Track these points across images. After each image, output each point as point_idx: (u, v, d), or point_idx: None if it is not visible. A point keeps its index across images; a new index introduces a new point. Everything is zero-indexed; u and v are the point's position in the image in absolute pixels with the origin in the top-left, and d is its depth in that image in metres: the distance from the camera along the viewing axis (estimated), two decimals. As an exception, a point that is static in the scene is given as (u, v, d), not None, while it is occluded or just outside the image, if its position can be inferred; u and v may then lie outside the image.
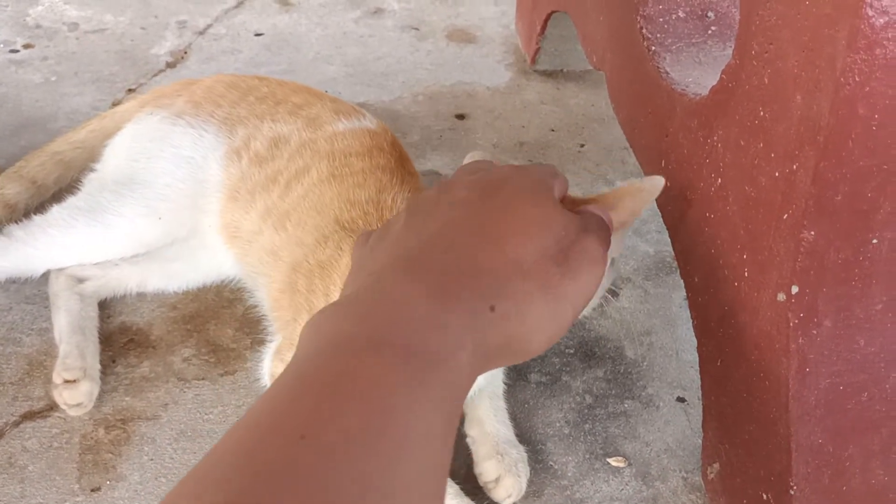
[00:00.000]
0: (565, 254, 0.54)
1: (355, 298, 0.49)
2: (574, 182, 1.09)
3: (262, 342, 0.83)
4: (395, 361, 0.43)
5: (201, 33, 1.35)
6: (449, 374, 0.45)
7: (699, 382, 0.74)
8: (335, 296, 0.71)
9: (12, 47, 1.28)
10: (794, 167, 0.55)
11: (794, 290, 0.57)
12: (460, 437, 0.76)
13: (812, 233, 0.55)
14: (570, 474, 0.77)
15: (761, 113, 0.58)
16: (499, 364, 0.53)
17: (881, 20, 0.47)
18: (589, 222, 0.56)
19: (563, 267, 0.53)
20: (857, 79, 0.49)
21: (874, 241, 0.55)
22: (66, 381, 0.77)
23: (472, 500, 0.72)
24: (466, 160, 0.70)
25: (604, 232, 0.57)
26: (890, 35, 0.47)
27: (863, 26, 0.47)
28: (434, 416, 0.43)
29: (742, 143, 0.61)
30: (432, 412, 0.43)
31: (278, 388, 0.42)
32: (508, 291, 0.50)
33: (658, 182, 0.63)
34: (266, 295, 0.81)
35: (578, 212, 0.58)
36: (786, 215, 0.56)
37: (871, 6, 0.47)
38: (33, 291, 0.89)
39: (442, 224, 0.54)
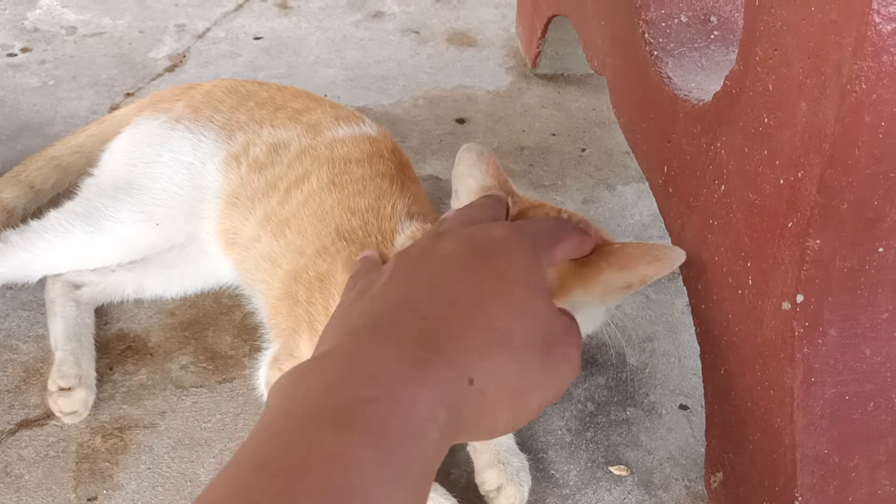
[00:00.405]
0: (549, 348, 0.53)
1: (325, 363, 0.47)
2: (575, 187, 1.09)
3: (260, 349, 0.82)
4: (361, 437, 0.42)
5: (200, 37, 1.34)
6: (418, 449, 0.44)
7: (702, 390, 0.73)
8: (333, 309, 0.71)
9: (10, 51, 1.28)
10: (800, 175, 0.54)
11: (800, 298, 0.56)
12: (461, 445, 0.76)
13: (817, 241, 0.54)
14: (571, 483, 0.76)
15: (766, 120, 0.57)
16: (465, 438, 0.51)
17: (888, 27, 0.46)
18: (573, 325, 0.56)
19: (544, 358, 0.52)
20: (863, 86, 0.48)
21: (880, 249, 0.55)
22: (62, 389, 0.76)
23: (473, 509, 0.71)
24: (461, 153, 0.69)
25: (579, 339, 0.57)
26: (897, 42, 0.47)
27: (869, 33, 0.47)
28: (400, 495, 0.42)
29: (746, 149, 0.60)
30: (399, 491, 0.42)
31: (240, 463, 0.41)
32: (489, 366, 0.49)
33: (678, 257, 0.63)
34: (263, 302, 0.80)
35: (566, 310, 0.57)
36: (790, 223, 0.56)
37: (878, 13, 0.46)
38: (30, 298, 0.88)
39: (427, 282, 0.52)
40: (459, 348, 0.49)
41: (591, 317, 0.67)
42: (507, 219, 0.64)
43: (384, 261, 0.67)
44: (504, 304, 0.52)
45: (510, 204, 0.67)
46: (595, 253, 0.63)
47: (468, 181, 0.69)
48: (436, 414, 0.45)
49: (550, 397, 0.54)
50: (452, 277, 0.52)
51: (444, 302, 0.51)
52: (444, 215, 0.64)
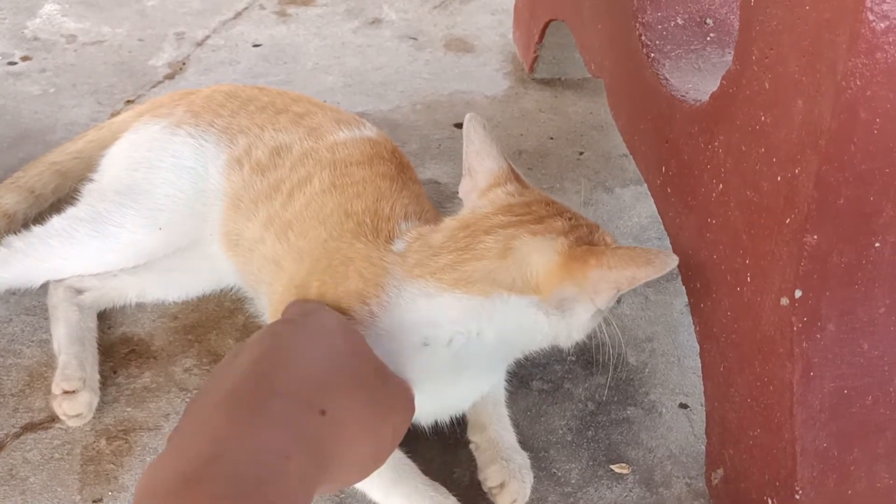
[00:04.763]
0: (384, 379, 0.58)
1: (173, 445, 0.50)
2: (573, 190, 1.10)
3: (263, 351, 0.82)
4: (213, 495, 0.43)
5: (199, 45, 1.35)
6: (278, 489, 0.45)
7: (701, 388, 0.74)
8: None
9: (10, 59, 1.28)
10: (796, 171, 0.55)
11: (798, 294, 0.57)
12: (464, 443, 0.76)
13: (815, 237, 0.55)
14: (573, 481, 0.77)
15: (762, 118, 0.58)
16: (336, 479, 0.53)
17: (882, 24, 0.47)
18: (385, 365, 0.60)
19: (384, 390, 0.57)
20: (858, 83, 0.49)
21: (877, 244, 0.56)
22: (66, 392, 0.77)
23: (476, 507, 0.72)
24: (469, 125, 0.73)
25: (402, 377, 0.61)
26: (891, 39, 0.48)
27: (863, 31, 0.48)
28: None
29: (743, 148, 0.61)
30: None
31: None
32: (337, 398, 0.52)
33: (670, 262, 0.65)
34: (267, 302, 0.81)
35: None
36: (788, 219, 0.57)
37: (872, 10, 0.47)
38: (33, 303, 0.89)
39: (259, 351, 0.55)
40: (300, 387, 0.51)
41: (580, 319, 0.68)
42: None
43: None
44: (330, 350, 0.56)
45: (518, 194, 0.70)
46: (587, 251, 0.65)
47: (486, 162, 0.72)
48: (288, 450, 0.47)
49: (400, 430, 0.58)
50: (284, 338, 0.57)
51: (277, 355, 0.54)
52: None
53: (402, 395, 0.59)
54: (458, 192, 0.77)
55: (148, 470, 0.48)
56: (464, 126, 0.73)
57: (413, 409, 0.59)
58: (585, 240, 0.68)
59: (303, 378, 0.53)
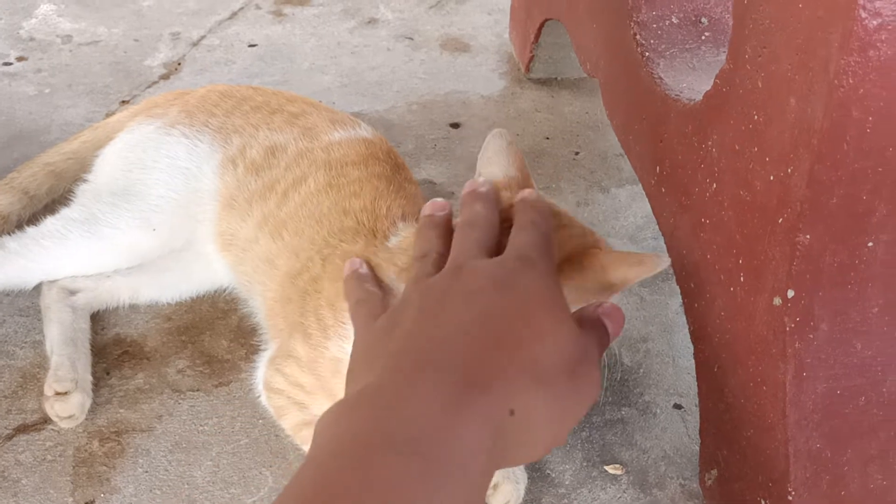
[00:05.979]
0: (574, 370, 0.55)
1: (371, 395, 0.49)
2: (569, 190, 1.09)
3: (257, 352, 0.82)
4: (411, 462, 0.44)
5: (195, 45, 1.35)
6: (463, 480, 0.46)
7: (696, 389, 0.74)
8: (325, 313, 0.71)
9: (6, 60, 1.28)
10: (789, 171, 0.55)
11: (790, 294, 0.57)
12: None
13: (807, 236, 0.55)
14: (567, 482, 0.76)
15: (755, 117, 0.58)
16: (508, 464, 0.54)
17: (874, 22, 0.47)
18: (592, 343, 0.57)
19: (572, 382, 0.54)
20: (850, 81, 0.49)
21: (870, 244, 0.55)
22: (58, 394, 0.76)
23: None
24: (490, 137, 0.70)
25: (603, 348, 0.58)
26: (883, 37, 0.47)
27: (856, 28, 0.47)
28: None
29: (737, 147, 0.61)
30: None
31: (294, 495, 0.43)
32: (527, 396, 0.51)
33: (661, 262, 0.64)
34: (261, 303, 0.81)
35: (583, 319, 0.58)
36: (781, 219, 0.56)
37: (864, 8, 0.47)
38: (27, 304, 0.88)
39: (458, 319, 0.54)
40: (499, 382, 0.51)
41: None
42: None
43: (371, 269, 0.68)
44: (533, 336, 0.54)
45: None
46: (580, 253, 0.65)
47: (492, 168, 0.71)
48: (478, 450, 0.47)
49: (579, 417, 0.57)
50: (482, 315, 0.54)
51: (479, 339, 0.53)
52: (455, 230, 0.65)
53: (587, 385, 0.56)
54: (453, 193, 0.77)
55: (335, 415, 0.47)
56: (487, 137, 0.73)
57: (598, 394, 0.57)
58: (579, 243, 0.68)
59: (501, 371, 0.51)
